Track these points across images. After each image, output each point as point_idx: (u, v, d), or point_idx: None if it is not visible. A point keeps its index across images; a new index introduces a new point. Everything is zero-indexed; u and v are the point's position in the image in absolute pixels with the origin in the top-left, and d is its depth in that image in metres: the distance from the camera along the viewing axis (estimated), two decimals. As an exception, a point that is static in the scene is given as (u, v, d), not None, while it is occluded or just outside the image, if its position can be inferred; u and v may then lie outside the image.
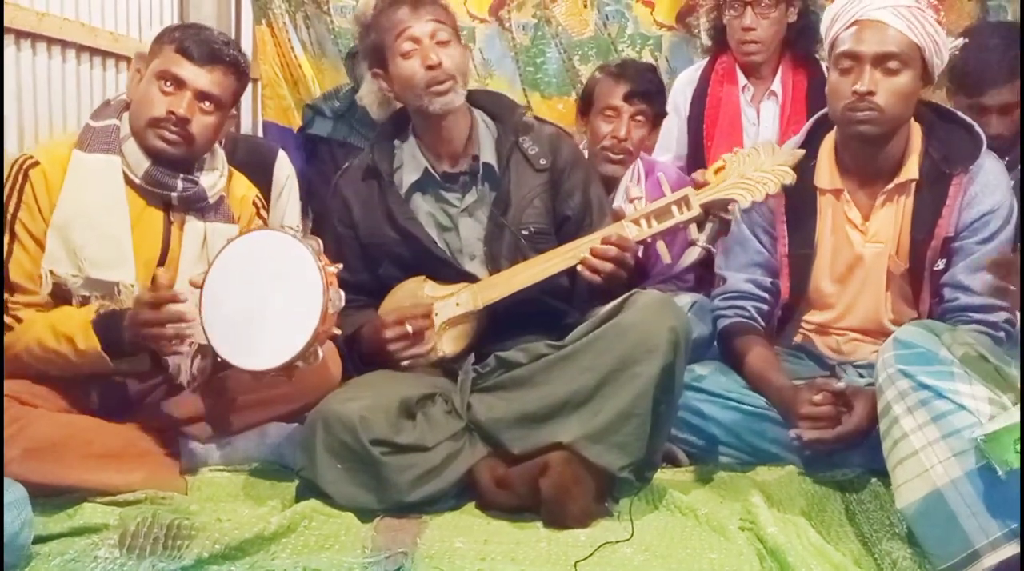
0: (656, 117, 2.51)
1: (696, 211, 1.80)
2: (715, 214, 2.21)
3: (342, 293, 1.70)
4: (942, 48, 1.86)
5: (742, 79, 2.68)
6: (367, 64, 2.02)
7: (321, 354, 1.68)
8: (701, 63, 2.84)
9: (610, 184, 2.39)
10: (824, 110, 1.98)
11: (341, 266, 1.74)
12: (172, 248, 1.86)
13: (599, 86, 2.49)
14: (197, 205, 1.88)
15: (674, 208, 1.81)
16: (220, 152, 1.97)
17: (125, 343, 1.71)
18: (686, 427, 1.95)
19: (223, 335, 1.68)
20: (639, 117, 2.44)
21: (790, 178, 1.79)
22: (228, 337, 1.68)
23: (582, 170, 2.01)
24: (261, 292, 1.68)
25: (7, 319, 1.74)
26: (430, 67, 1.86)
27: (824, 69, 2.36)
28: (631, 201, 1.85)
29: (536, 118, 2.05)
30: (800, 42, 2.66)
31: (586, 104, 2.54)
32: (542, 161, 1.95)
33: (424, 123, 1.95)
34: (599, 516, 1.67)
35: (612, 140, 2.42)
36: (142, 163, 1.82)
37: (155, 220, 1.86)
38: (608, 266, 1.78)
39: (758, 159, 1.80)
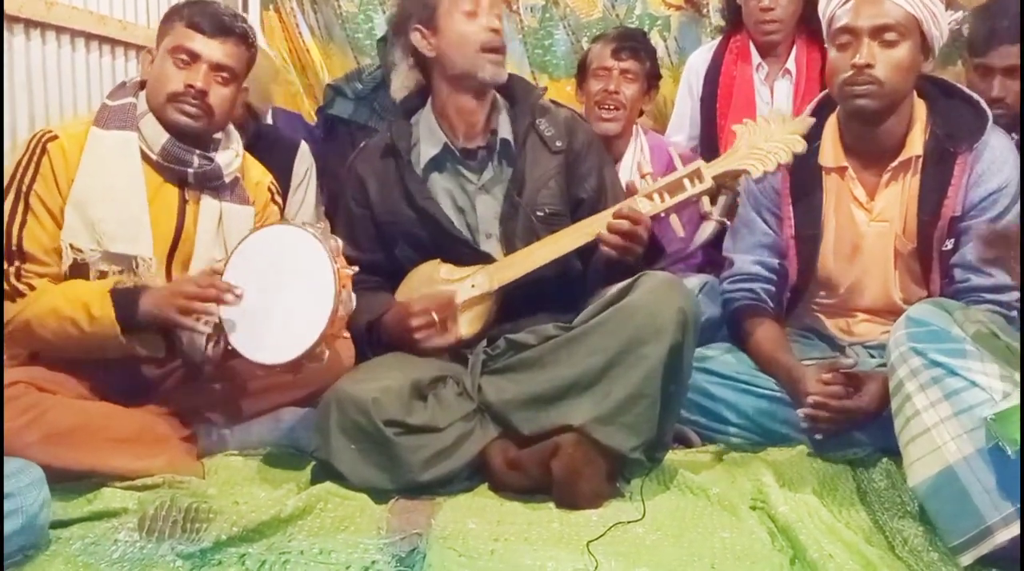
0: (649, 77, 2.56)
1: (708, 183, 1.79)
2: (727, 186, 2.21)
3: (354, 296, 1.71)
4: (940, 20, 1.84)
5: (756, 58, 2.66)
6: (414, 19, 1.93)
7: (328, 354, 1.70)
8: (713, 43, 2.82)
9: (605, 144, 2.39)
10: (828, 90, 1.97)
11: (357, 269, 1.74)
12: (187, 225, 1.87)
13: (591, 52, 2.61)
14: (212, 183, 1.90)
15: (686, 181, 1.80)
16: (235, 133, 1.98)
17: (139, 315, 1.72)
18: (697, 409, 1.96)
19: (236, 324, 1.70)
20: (629, 74, 2.51)
21: (801, 146, 1.77)
22: (241, 327, 1.70)
23: (597, 154, 2.01)
24: (276, 286, 1.70)
25: (20, 286, 1.76)
26: (493, 30, 1.87)
27: None
28: (643, 176, 1.84)
29: (552, 101, 2.06)
30: (815, 18, 2.62)
31: (582, 75, 2.62)
32: (558, 143, 1.96)
33: (451, 94, 1.93)
34: (611, 497, 1.68)
35: (602, 94, 2.49)
36: (159, 139, 1.84)
37: (171, 197, 1.87)
38: (619, 240, 1.77)
39: (768, 129, 1.79)
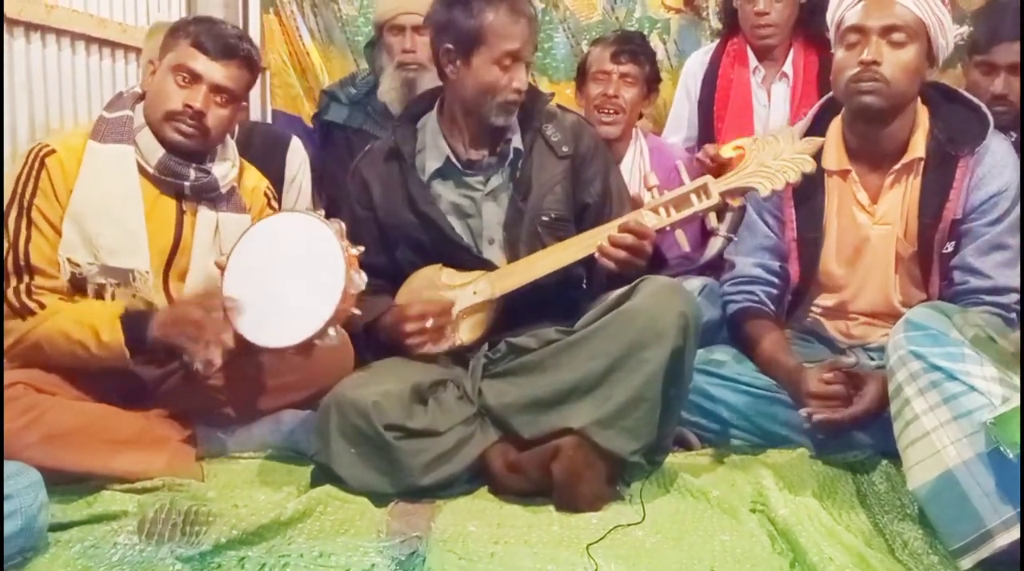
0: (648, 81, 2.57)
1: (715, 199, 1.78)
2: (733, 202, 2.20)
3: (364, 274, 1.71)
4: (947, 30, 1.86)
5: (753, 61, 2.67)
6: (448, 38, 1.89)
7: (338, 334, 1.69)
8: (711, 46, 2.84)
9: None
10: (832, 93, 1.97)
11: (363, 249, 1.74)
12: (184, 237, 1.88)
13: (590, 56, 2.62)
14: (209, 194, 1.90)
15: (693, 197, 1.80)
16: (231, 144, 1.99)
17: (149, 341, 1.73)
18: (697, 410, 1.96)
19: (245, 313, 1.70)
20: (628, 78, 2.52)
21: (810, 166, 1.77)
22: (249, 315, 1.70)
23: (603, 159, 2.02)
24: (283, 272, 1.70)
25: (30, 303, 1.76)
26: (518, 91, 1.89)
27: None
28: (649, 189, 1.84)
29: (559, 106, 2.06)
30: (812, 22, 2.64)
31: (582, 78, 2.63)
32: (564, 148, 1.96)
33: (462, 112, 1.94)
34: (611, 500, 1.68)
35: (602, 98, 2.51)
36: (156, 153, 1.84)
37: (168, 209, 1.88)
38: (623, 254, 1.78)
39: (777, 147, 1.78)
